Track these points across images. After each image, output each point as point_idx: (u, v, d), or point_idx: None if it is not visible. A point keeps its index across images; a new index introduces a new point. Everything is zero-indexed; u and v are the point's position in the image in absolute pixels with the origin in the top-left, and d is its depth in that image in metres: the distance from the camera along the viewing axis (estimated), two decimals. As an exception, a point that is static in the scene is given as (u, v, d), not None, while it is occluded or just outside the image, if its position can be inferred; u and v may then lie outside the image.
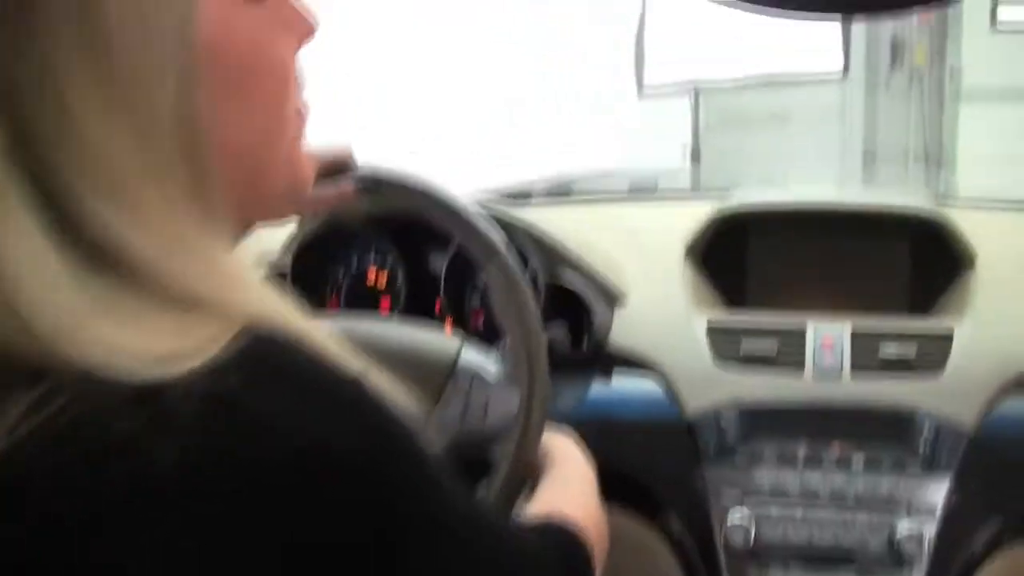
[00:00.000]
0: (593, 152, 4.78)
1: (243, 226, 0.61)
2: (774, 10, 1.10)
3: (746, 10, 1.11)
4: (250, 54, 0.56)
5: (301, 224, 1.62)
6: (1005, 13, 5.10)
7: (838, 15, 1.24)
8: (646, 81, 4.47)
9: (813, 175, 5.46)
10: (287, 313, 0.52)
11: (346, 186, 0.99)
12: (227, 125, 0.55)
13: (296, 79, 0.60)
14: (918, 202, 1.71)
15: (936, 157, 5.60)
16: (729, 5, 1.11)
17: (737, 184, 2.05)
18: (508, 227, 1.41)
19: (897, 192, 2.54)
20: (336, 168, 1.00)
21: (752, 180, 4.84)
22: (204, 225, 0.51)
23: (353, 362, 0.52)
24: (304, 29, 0.60)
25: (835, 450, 1.44)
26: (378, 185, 1.01)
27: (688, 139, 5.20)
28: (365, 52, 4.76)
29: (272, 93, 0.58)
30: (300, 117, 0.62)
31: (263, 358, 0.48)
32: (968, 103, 5.66)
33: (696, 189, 3.84)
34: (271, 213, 0.63)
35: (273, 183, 0.60)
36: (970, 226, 1.63)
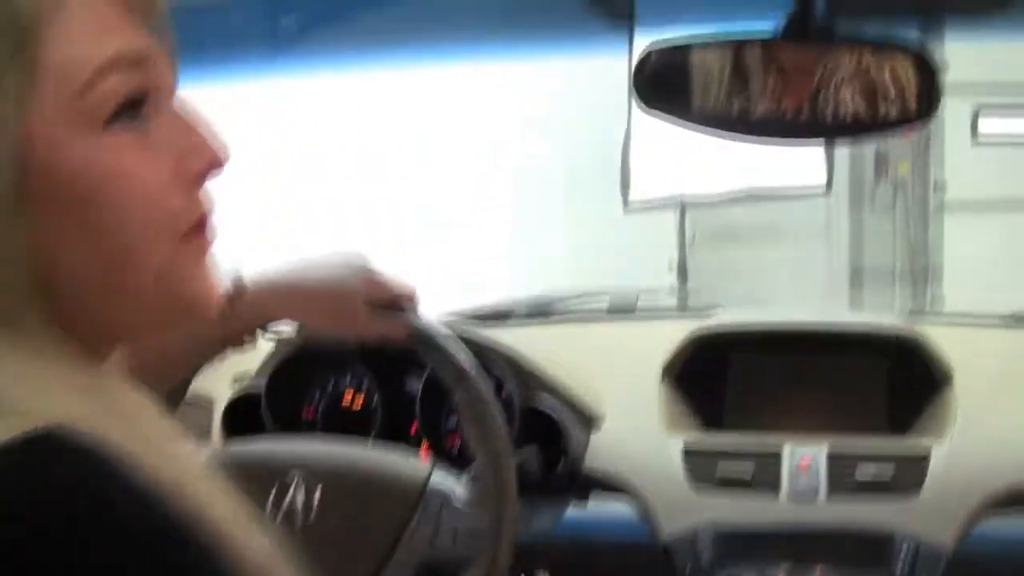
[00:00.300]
0: (577, 268, 4.83)
1: (113, 339, 0.65)
2: (757, 138, 1.15)
3: (731, 138, 1.15)
4: (88, 181, 0.58)
5: (278, 345, 1.64)
6: (986, 125, 5.20)
7: (820, 140, 1.29)
8: (632, 196, 4.53)
9: (799, 291, 5.50)
10: (90, 421, 0.55)
11: (398, 329, 1.06)
12: (65, 249, 0.59)
13: (176, 201, 0.62)
14: (894, 321, 1.73)
15: (922, 271, 5.66)
16: (714, 134, 1.16)
17: (723, 300, 2.08)
18: (483, 349, 1.43)
19: (874, 311, 2.58)
20: (394, 304, 1.06)
21: (738, 296, 4.89)
22: (25, 339, 0.57)
23: (145, 477, 0.55)
24: (195, 154, 0.62)
25: (814, 574, 1.44)
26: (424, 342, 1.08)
27: (674, 254, 5.25)
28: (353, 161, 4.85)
29: (119, 220, 0.59)
30: (174, 238, 0.63)
31: (20, 451, 0.52)
32: (952, 215, 5.74)
33: (682, 305, 3.87)
34: (145, 329, 0.66)
35: (132, 304, 0.62)
36: (948, 343, 1.66)
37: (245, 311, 1.06)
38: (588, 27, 1.86)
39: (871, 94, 1.13)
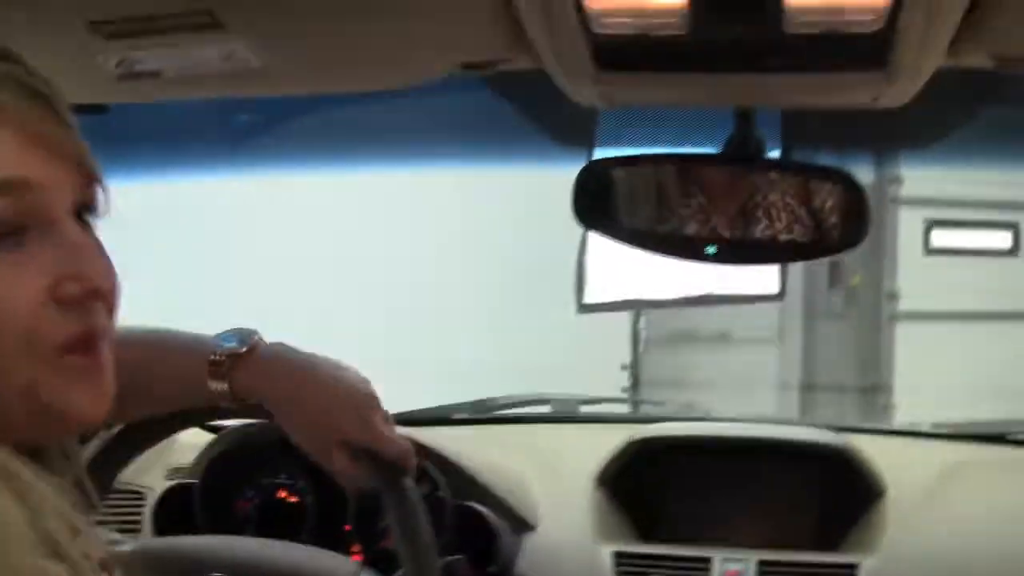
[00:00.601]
0: (527, 370, 4.85)
1: None
2: (684, 258, 1.18)
3: (659, 256, 1.19)
4: None
5: (214, 441, 1.65)
6: (938, 238, 5.33)
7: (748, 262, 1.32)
8: (586, 297, 4.57)
9: (750, 397, 5.55)
10: None
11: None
12: None
13: (44, 323, 0.65)
14: (831, 435, 1.77)
15: (873, 380, 5.73)
16: (643, 251, 1.19)
17: (673, 405, 2.11)
18: (419, 450, 1.45)
19: (823, 420, 2.61)
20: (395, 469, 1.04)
21: (688, 401, 4.93)
22: None
23: None
24: (72, 280, 0.65)
25: None
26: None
27: (627, 356, 5.29)
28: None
29: None
30: (39, 353, 0.65)
31: None
32: (905, 326, 5.84)
33: (632, 408, 3.90)
34: (19, 435, 0.67)
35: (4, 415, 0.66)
36: (885, 456, 1.69)
37: (239, 380, 1.04)
38: (546, 146, 1.89)
39: (802, 219, 1.16)
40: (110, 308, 0.69)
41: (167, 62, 1.00)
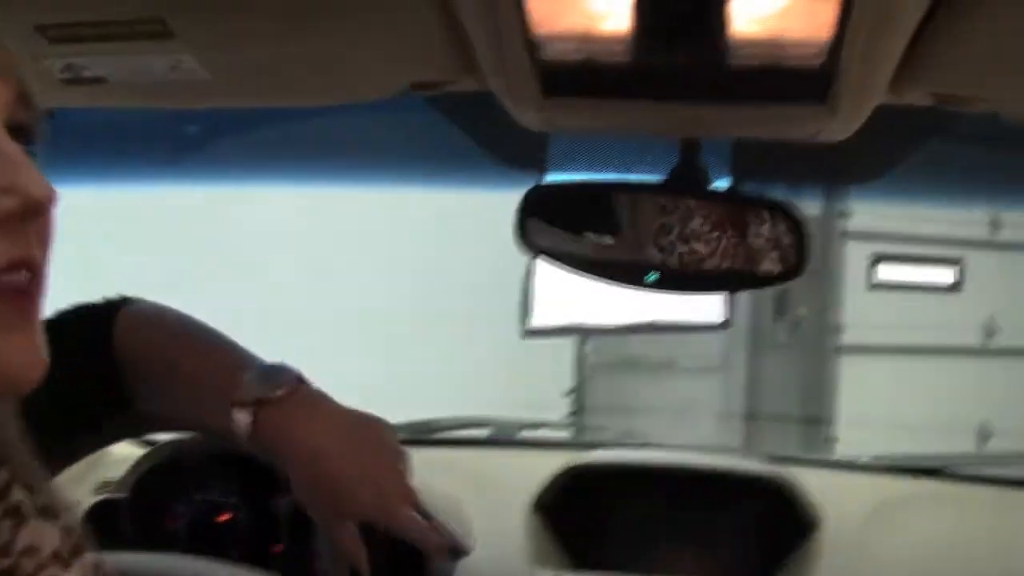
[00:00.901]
0: (470, 393, 4.85)
1: None
2: (624, 284, 1.20)
3: (599, 282, 1.21)
4: None
5: (146, 454, 1.64)
6: (883, 272, 5.41)
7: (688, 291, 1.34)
8: (531, 322, 4.58)
9: (693, 426, 5.60)
10: None
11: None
12: None
13: None
14: (769, 466, 1.79)
15: (815, 411, 5.80)
16: (584, 277, 1.21)
17: (616, 432, 2.13)
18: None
19: (765, 450, 2.64)
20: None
21: (631, 428, 4.96)
22: None
23: None
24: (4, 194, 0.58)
25: None
26: None
27: (570, 382, 5.31)
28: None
29: None
30: None
31: None
32: (848, 358, 5.92)
33: (575, 435, 3.91)
34: None
35: None
36: (822, 488, 1.72)
37: (263, 422, 0.99)
38: (496, 169, 1.90)
39: (743, 249, 1.18)
40: (45, 241, 0.61)
41: (114, 69, 1.00)
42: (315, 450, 1.00)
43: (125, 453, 1.67)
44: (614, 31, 0.86)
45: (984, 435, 5.92)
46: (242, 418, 0.99)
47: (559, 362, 5.39)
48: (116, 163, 1.85)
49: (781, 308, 5.90)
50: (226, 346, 1.05)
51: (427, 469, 1.73)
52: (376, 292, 5.21)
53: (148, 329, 1.00)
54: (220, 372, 1.01)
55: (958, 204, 3.58)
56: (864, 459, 1.99)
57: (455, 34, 0.89)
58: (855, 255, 5.71)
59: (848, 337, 5.91)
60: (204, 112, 1.66)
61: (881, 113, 1.01)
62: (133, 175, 1.94)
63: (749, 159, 1.42)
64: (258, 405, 0.99)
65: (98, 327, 1.05)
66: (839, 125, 1.01)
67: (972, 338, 6.15)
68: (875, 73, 0.90)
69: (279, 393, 1.00)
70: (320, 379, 1.07)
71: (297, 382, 1.02)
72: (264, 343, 1.08)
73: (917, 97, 1.00)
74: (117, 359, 1.04)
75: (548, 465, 1.75)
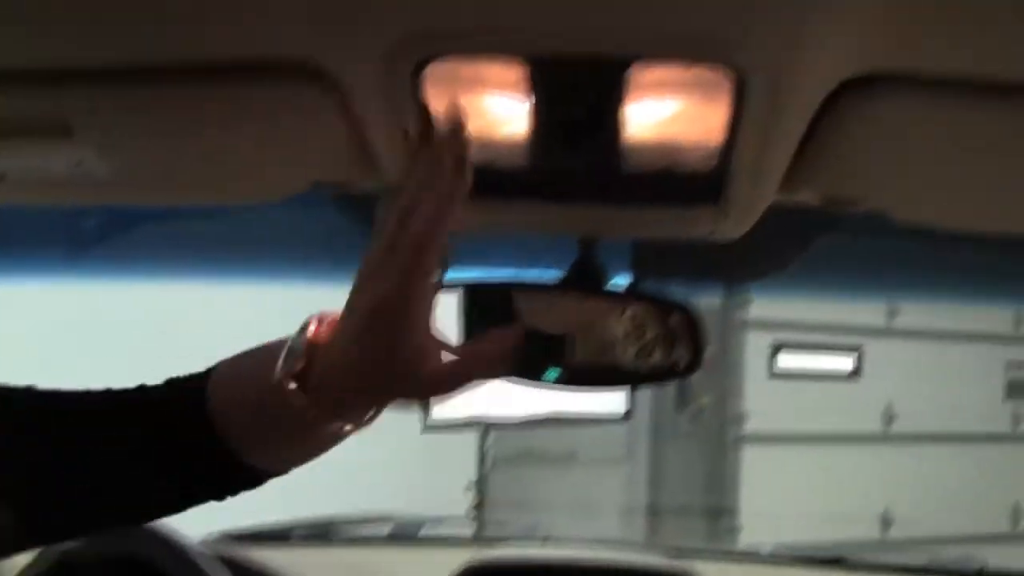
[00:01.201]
0: (369, 488, 4.82)
1: None
2: (517, 380, 1.22)
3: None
4: None
5: (31, 562, 1.61)
6: (783, 360, 5.52)
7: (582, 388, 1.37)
8: (432, 415, 4.58)
9: (595, 519, 5.61)
10: None
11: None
12: None
13: None
14: (667, 560, 1.83)
15: (718, 502, 5.86)
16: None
17: (517, 526, 2.14)
18: (246, 572, 1.45)
19: (669, 542, 2.68)
20: None
21: (532, 522, 4.96)
22: None
23: None
24: None
25: None
26: None
27: (472, 476, 5.30)
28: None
29: None
30: None
31: None
32: (751, 447, 6.01)
33: (479, 527, 3.90)
34: None
35: None
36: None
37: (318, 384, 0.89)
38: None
39: (641, 345, 1.21)
40: None
41: (13, 165, 1.00)
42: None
43: (8, 560, 1.63)
44: (512, 135, 0.90)
45: (886, 522, 6.05)
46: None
47: (464, 455, 5.38)
48: (9, 259, 1.84)
49: (683, 398, 5.98)
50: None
51: (328, 569, 1.73)
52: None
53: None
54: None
55: (855, 296, 3.70)
56: (767, 549, 2.03)
57: (358, 137, 0.92)
58: (755, 344, 5.83)
59: (750, 426, 6.00)
60: (102, 206, 1.66)
61: (775, 211, 1.06)
62: (28, 271, 1.93)
63: (649, 255, 1.46)
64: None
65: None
66: (733, 225, 1.05)
67: (872, 425, 6.30)
68: (765, 175, 0.95)
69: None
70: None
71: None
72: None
73: (807, 197, 1.05)
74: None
75: (449, 563, 1.75)
